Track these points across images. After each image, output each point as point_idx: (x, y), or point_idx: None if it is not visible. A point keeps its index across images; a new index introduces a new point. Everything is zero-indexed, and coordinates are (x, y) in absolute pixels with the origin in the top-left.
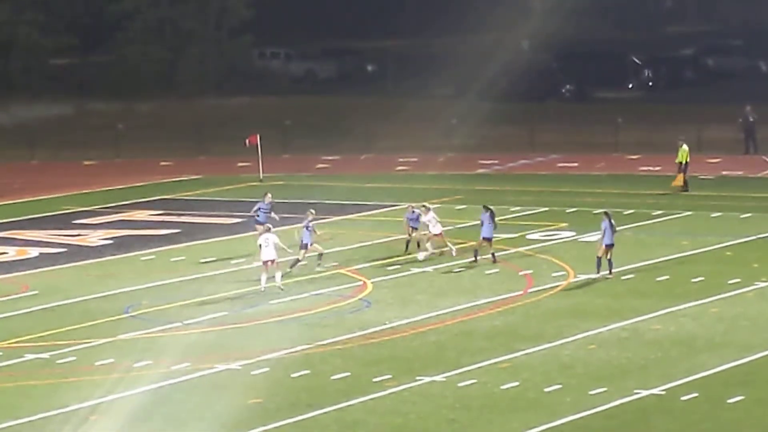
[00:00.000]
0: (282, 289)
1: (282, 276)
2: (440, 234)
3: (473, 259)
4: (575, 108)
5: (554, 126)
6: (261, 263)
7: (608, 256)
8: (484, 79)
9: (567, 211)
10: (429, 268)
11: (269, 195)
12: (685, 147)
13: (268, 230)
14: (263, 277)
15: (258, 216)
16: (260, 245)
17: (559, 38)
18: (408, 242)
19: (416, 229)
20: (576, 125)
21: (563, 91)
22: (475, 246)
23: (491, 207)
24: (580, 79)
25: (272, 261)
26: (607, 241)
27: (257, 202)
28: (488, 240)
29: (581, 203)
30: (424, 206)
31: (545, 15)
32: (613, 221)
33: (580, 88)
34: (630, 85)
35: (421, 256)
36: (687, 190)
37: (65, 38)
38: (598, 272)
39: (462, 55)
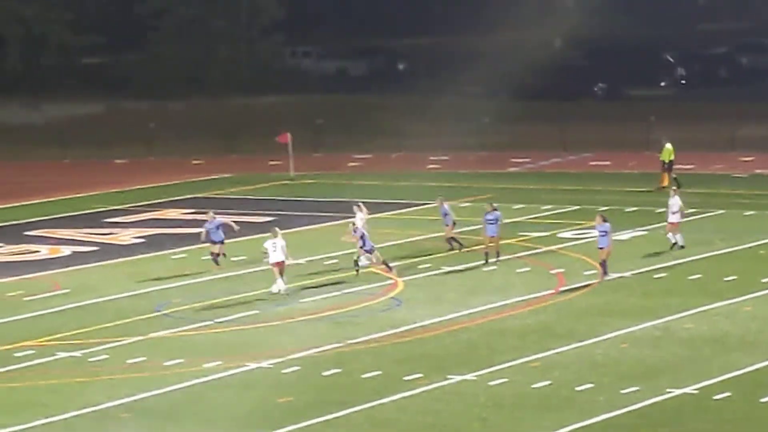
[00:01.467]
0: (287, 295)
1: (285, 281)
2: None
3: (485, 261)
4: (607, 106)
5: (586, 124)
6: (271, 266)
7: (605, 257)
8: (516, 77)
9: (599, 209)
10: (460, 266)
11: (211, 213)
12: (668, 146)
13: (276, 235)
14: (279, 280)
15: (210, 235)
16: (266, 249)
17: (592, 36)
18: (450, 239)
19: (447, 225)
20: (608, 123)
21: (595, 89)
22: (484, 248)
23: (496, 206)
24: (612, 77)
25: (280, 263)
26: (602, 243)
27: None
28: (494, 238)
29: (613, 201)
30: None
31: (577, 12)
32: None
33: (612, 86)
34: (663, 83)
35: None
36: (679, 187)
37: (96, 37)
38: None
39: (494, 53)
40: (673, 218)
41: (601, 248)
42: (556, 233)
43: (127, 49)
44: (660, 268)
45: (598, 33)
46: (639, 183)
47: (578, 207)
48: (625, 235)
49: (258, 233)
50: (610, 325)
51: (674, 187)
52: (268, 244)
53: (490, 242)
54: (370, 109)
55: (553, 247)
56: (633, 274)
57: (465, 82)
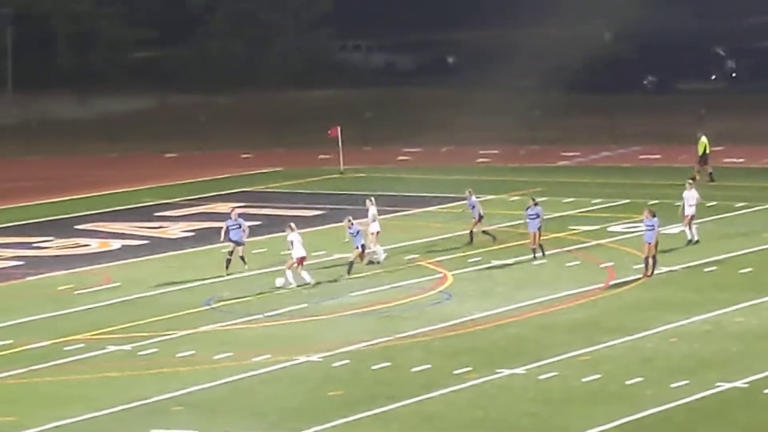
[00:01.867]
0: (312, 284)
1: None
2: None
3: (533, 256)
4: (657, 99)
5: (636, 118)
6: (294, 260)
7: (654, 252)
8: (566, 70)
9: (649, 203)
10: (509, 261)
11: (236, 211)
12: (703, 138)
13: (293, 229)
14: (288, 274)
15: (229, 235)
16: (291, 242)
17: (642, 29)
18: (471, 232)
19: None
20: (658, 117)
21: (645, 82)
22: (529, 244)
23: (537, 200)
24: (662, 71)
25: (303, 258)
26: (648, 238)
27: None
28: (536, 232)
29: (663, 195)
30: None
31: (628, 6)
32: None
33: (662, 79)
34: (713, 77)
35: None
36: (713, 180)
37: (146, 31)
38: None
39: (544, 46)
40: (689, 210)
41: (648, 243)
42: (605, 227)
43: (177, 43)
44: (710, 261)
45: (648, 26)
46: (689, 176)
47: (628, 201)
48: (674, 229)
49: (308, 227)
50: (660, 319)
51: (690, 180)
52: (291, 237)
53: (535, 238)
54: (419, 103)
55: (602, 241)
56: (682, 268)
57: (515, 75)
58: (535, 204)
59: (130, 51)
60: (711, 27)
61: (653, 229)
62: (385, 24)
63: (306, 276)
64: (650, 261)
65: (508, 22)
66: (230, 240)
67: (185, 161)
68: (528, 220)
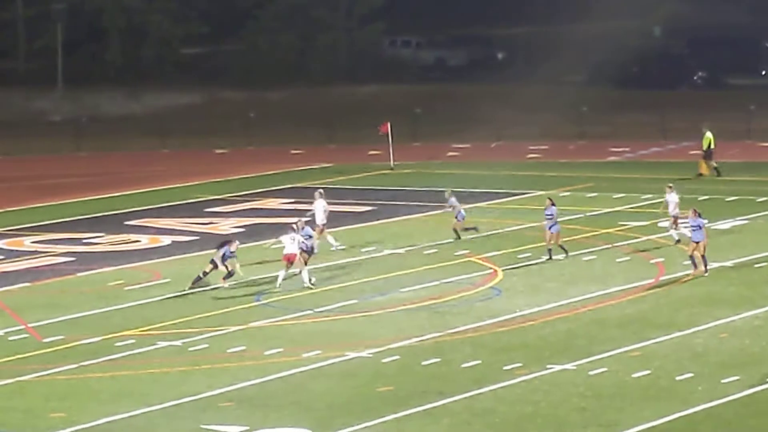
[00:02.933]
0: (312, 286)
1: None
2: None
3: (548, 257)
4: (707, 95)
5: (686, 113)
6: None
7: (703, 252)
8: (616, 65)
9: (699, 198)
10: (560, 256)
11: (236, 242)
12: (708, 134)
13: (298, 230)
14: (282, 273)
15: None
16: (281, 241)
17: (691, 24)
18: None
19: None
20: (708, 112)
21: (695, 77)
22: (546, 245)
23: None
24: (712, 66)
25: (291, 256)
26: (697, 237)
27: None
28: (551, 233)
29: (714, 191)
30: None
31: (677, 1)
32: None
33: (712, 74)
34: (763, 72)
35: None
36: (719, 175)
37: (196, 27)
38: (695, 267)
39: (593, 42)
40: (674, 212)
41: (696, 242)
42: (656, 222)
43: (227, 38)
44: (761, 257)
45: (697, 21)
46: (739, 172)
47: (678, 196)
48: (725, 225)
49: (359, 223)
50: (710, 315)
51: (670, 185)
52: (286, 238)
53: (551, 239)
54: (469, 99)
55: (652, 237)
56: (733, 264)
57: (564, 70)
58: (552, 204)
59: (180, 46)
60: (761, 21)
61: (700, 229)
62: (435, 20)
63: (305, 276)
64: (699, 259)
65: (557, 17)
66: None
67: (235, 157)
68: (546, 221)
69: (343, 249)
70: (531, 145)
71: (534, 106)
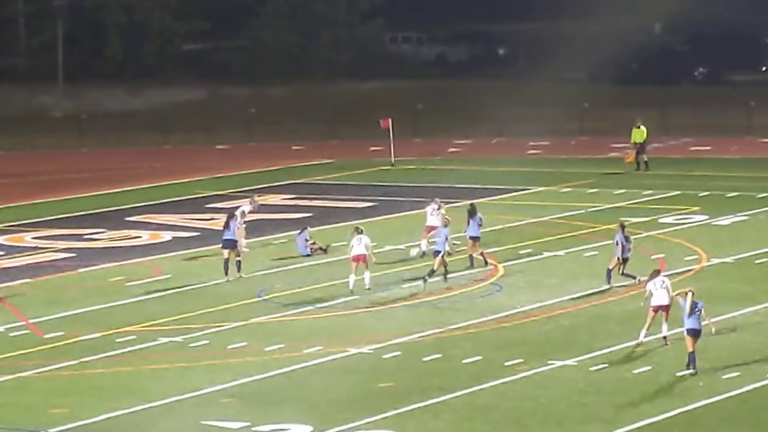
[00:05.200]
0: (369, 289)
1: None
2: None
3: (470, 264)
4: (708, 91)
5: (687, 109)
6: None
7: (621, 271)
8: (616, 62)
9: (700, 194)
10: (561, 252)
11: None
12: (643, 127)
13: (361, 231)
14: (352, 278)
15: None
16: (352, 245)
17: (692, 21)
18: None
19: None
20: (708, 108)
21: (695, 73)
22: (467, 251)
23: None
24: (712, 62)
25: (361, 258)
26: (621, 254)
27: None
28: (475, 239)
29: (714, 187)
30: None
31: None
32: (627, 234)
33: (712, 70)
34: (764, 68)
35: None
36: (648, 170)
37: (198, 23)
38: (608, 283)
39: (594, 38)
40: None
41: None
42: (656, 218)
43: (229, 34)
44: (761, 253)
45: (698, 17)
46: (740, 168)
47: (679, 192)
48: (726, 221)
49: (359, 219)
50: (711, 311)
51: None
52: (354, 240)
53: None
54: (470, 95)
55: (653, 233)
56: (734, 260)
57: (565, 67)
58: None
59: (181, 42)
60: (761, 17)
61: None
62: (436, 16)
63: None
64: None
65: (558, 13)
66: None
67: (236, 153)
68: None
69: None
70: (532, 141)
71: (535, 102)
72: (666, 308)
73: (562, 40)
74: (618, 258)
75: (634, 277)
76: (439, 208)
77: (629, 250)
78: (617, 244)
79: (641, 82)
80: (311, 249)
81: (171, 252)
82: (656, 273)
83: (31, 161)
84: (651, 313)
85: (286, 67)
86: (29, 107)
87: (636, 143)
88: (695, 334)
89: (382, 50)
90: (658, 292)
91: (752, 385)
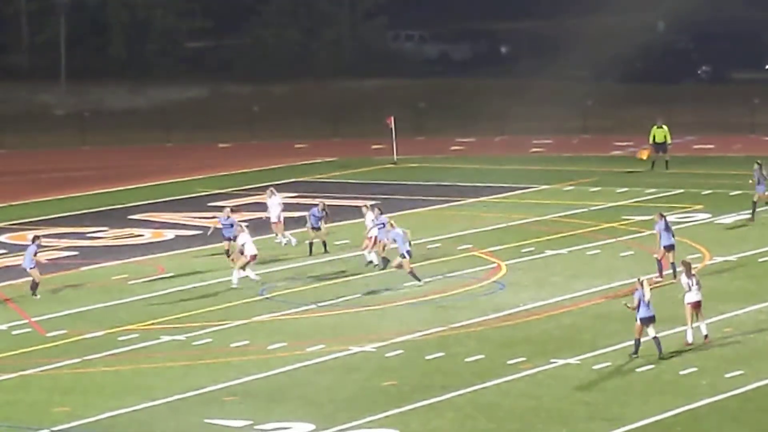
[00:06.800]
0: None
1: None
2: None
3: (374, 264)
4: (711, 89)
5: (690, 107)
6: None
7: (671, 260)
8: (620, 60)
9: (703, 192)
10: (564, 251)
11: (228, 209)
12: (664, 127)
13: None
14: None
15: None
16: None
17: (695, 19)
18: (311, 244)
19: (317, 228)
20: (712, 106)
21: (699, 72)
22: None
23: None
24: (716, 60)
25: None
26: (665, 242)
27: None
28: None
29: (717, 185)
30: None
31: None
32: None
33: (716, 69)
34: (767, 66)
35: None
36: (652, 169)
37: (200, 21)
38: (660, 276)
39: (597, 36)
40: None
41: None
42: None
43: (231, 33)
44: (765, 251)
45: (701, 16)
46: (743, 166)
47: (682, 190)
48: (729, 219)
49: (362, 217)
50: (714, 309)
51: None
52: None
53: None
54: (473, 93)
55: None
56: (737, 258)
57: (568, 65)
58: (381, 213)
59: (184, 40)
60: (765, 16)
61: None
62: (439, 14)
63: (252, 275)
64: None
65: (561, 11)
66: (223, 237)
67: (239, 151)
68: (374, 228)
69: (296, 245)
70: (535, 139)
71: (538, 100)
72: (699, 304)
73: (566, 38)
74: (662, 248)
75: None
76: (381, 213)
77: (672, 236)
78: (659, 233)
79: (645, 80)
80: (322, 221)
81: (173, 250)
82: (689, 267)
83: (33, 159)
84: (689, 309)
85: (289, 65)
86: (32, 105)
87: (656, 142)
88: (649, 321)
89: (384, 48)
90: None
91: (756, 383)
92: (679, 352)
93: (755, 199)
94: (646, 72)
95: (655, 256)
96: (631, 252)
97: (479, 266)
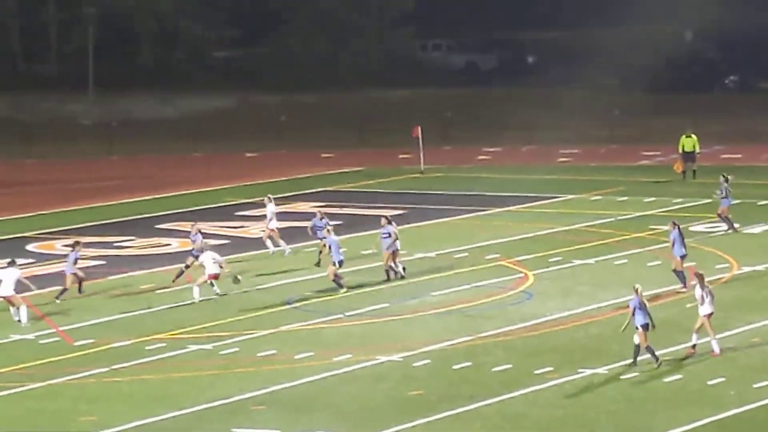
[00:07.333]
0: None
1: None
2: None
3: (386, 278)
4: (739, 98)
5: (718, 117)
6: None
7: (679, 268)
8: (647, 69)
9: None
10: (591, 260)
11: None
12: (693, 136)
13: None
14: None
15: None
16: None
17: (723, 28)
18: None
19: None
20: (739, 116)
21: (726, 81)
22: (384, 264)
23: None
24: (743, 70)
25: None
26: (678, 251)
27: (313, 217)
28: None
29: (745, 195)
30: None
31: (709, 4)
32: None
33: (743, 78)
34: None
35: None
36: (695, 178)
37: (228, 31)
38: (685, 286)
39: (624, 46)
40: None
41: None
42: (687, 226)
43: (259, 42)
44: None
45: (729, 25)
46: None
47: (709, 200)
48: (757, 229)
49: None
50: (742, 319)
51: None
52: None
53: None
54: (500, 103)
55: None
56: (765, 268)
57: (595, 74)
58: (389, 222)
59: (212, 50)
60: None
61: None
62: (466, 24)
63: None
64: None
65: (588, 21)
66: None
67: (266, 160)
68: (381, 240)
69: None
70: (562, 148)
71: (565, 109)
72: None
73: (593, 48)
74: (679, 257)
75: (685, 284)
76: (390, 223)
77: (685, 246)
78: (673, 242)
79: (672, 89)
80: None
81: (201, 260)
82: (702, 278)
83: (61, 169)
84: (707, 322)
85: (316, 75)
86: (60, 115)
87: (684, 151)
88: (647, 328)
89: (411, 58)
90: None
91: None
92: (705, 362)
93: (719, 212)
94: (673, 81)
95: (673, 267)
96: (659, 262)
97: (506, 276)
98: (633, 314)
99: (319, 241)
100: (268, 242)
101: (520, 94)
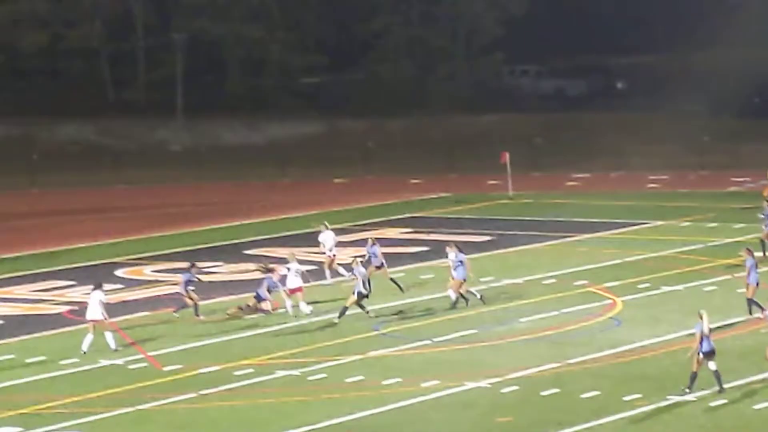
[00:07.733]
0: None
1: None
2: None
3: (454, 302)
4: None
5: None
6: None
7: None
8: (736, 95)
9: None
10: (680, 287)
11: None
12: None
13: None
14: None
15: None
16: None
17: None
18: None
19: (378, 266)
20: None
21: None
22: (454, 289)
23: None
24: None
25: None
26: (752, 280)
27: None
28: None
29: None
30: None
31: None
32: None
33: None
34: None
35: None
36: None
37: (316, 57)
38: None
39: (715, 71)
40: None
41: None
42: None
43: (347, 68)
44: None
45: None
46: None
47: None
48: None
49: (477, 253)
50: None
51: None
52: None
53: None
54: (588, 129)
55: None
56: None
57: (684, 100)
58: (460, 250)
59: (299, 76)
60: None
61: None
62: (555, 49)
63: (304, 307)
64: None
65: (677, 46)
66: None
67: (354, 186)
68: (456, 268)
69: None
70: (651, 174)
71: (654, 135)
72: None
73: (682, 73)
74: (754, 285)
75: (763, 308)
76: (460, 251)
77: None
78: (749, 270)
79: (762, 115)
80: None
81: (286, 285)
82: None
83: (150, 195)
84: None
85: (404, 101)
86: (149, 141)
87: None
88: (711, 355)
89: (500, 83)
90: None
91: None
92: None
93: (763, 237)
94: (763, 107)
95: (747, 296)
96: None
97: (595, 302)
98: (700, 342)
99: (402, 267)
100: (327, 272)
101: (608, 119)
